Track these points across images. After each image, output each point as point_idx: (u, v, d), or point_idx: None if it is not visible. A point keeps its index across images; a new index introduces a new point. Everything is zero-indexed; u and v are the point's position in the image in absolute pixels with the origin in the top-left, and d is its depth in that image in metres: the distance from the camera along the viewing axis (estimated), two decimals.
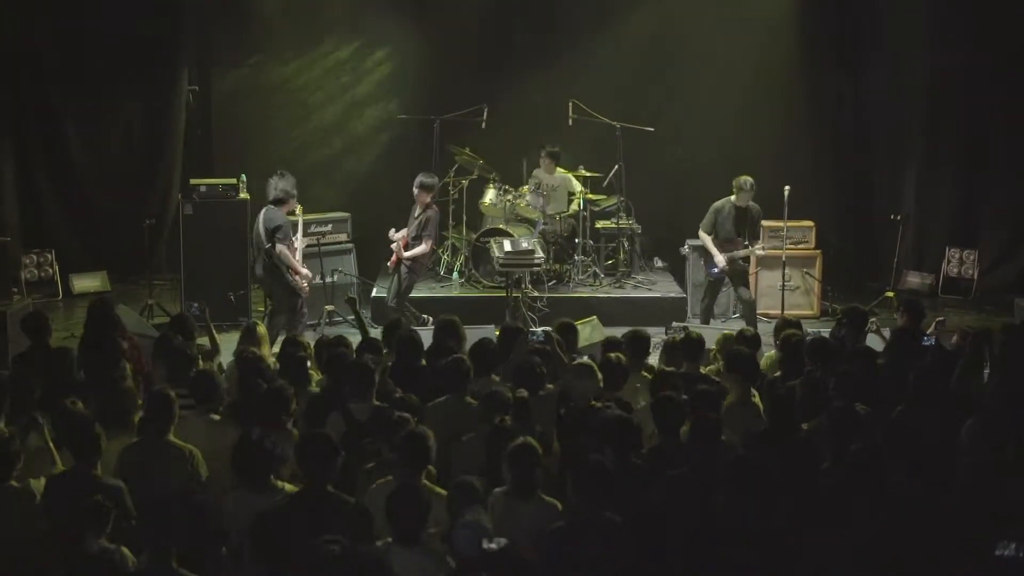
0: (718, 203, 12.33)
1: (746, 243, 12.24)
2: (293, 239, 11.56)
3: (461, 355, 7.98)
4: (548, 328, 9.26)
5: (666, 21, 15.25)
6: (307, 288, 11.56)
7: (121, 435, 7.04)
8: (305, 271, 11.54)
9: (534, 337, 8.76)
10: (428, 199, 12.32)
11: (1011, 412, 6.98)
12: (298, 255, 11.54)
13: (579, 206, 13.91)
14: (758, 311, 13.00)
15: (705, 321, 12.53)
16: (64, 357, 8.36)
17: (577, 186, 14.11)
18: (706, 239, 12.34)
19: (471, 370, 7.77)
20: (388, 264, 12.66)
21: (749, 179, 12.15)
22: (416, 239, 12.33)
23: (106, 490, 6.14)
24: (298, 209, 12.02)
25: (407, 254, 12.29)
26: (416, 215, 12.39)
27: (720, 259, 12.19)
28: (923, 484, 6.12)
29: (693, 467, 6.36)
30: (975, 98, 14.95)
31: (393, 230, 12.55)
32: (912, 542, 5.58)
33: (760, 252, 12.38)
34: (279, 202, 11.41)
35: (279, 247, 11.26)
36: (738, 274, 12.38)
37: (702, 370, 8.62)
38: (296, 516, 5.90)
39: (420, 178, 12.37)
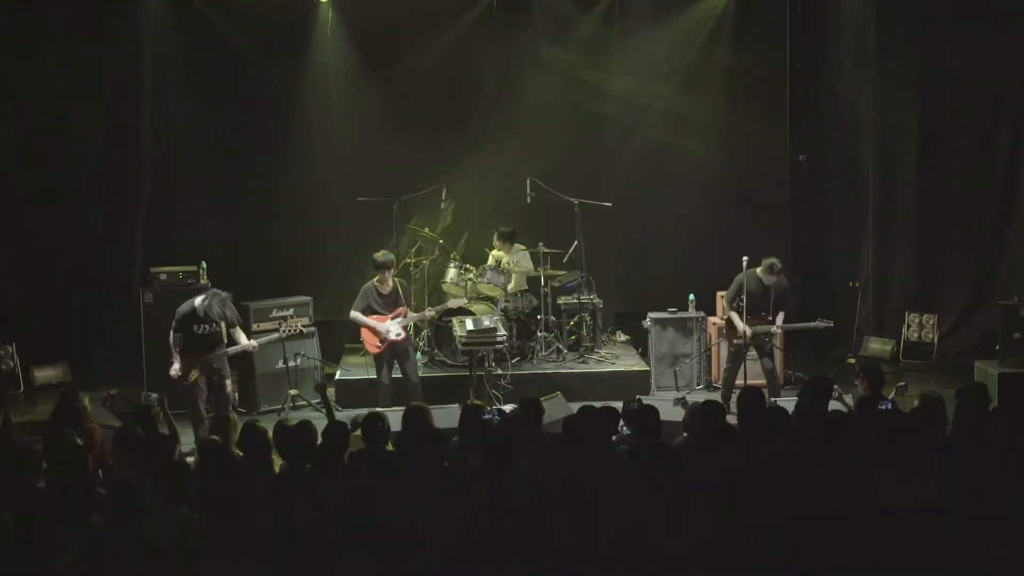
0: (741, 276, 12.49)
1: (769, 317, 12.47)
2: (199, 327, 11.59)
3: (436, 433, 7.88)
4: (507, 407, 9.16)
5: (621, 99, 15.46)
6: (176, 375, 11.48)
7: (80, 530, 6.91)
8: (175, 365, 11.46)
9: (490, 417, 8.51)
10: (390, 277, 12.59)
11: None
12: (236, 345, 11.72)
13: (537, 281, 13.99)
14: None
15: (727, 394, 12.51)
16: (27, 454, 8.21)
17: (530, 264, 14.19)
18: (732, 314, 12.57)
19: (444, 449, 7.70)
20: (377, 350, 12.58)
21: (776, 263, 12.41)
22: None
23: None
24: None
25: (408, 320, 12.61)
26: (388, 292, 12.56)
27: (743, 328, 12.41)
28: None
29: None
30: (928, 163, 15.18)
31: (375, 321, 12.56)
32: None
33: (775, 329, 12.53)
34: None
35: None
36: (760, 346, 12.60)
37: None
38: None
39: (380, 259, 12.55)
